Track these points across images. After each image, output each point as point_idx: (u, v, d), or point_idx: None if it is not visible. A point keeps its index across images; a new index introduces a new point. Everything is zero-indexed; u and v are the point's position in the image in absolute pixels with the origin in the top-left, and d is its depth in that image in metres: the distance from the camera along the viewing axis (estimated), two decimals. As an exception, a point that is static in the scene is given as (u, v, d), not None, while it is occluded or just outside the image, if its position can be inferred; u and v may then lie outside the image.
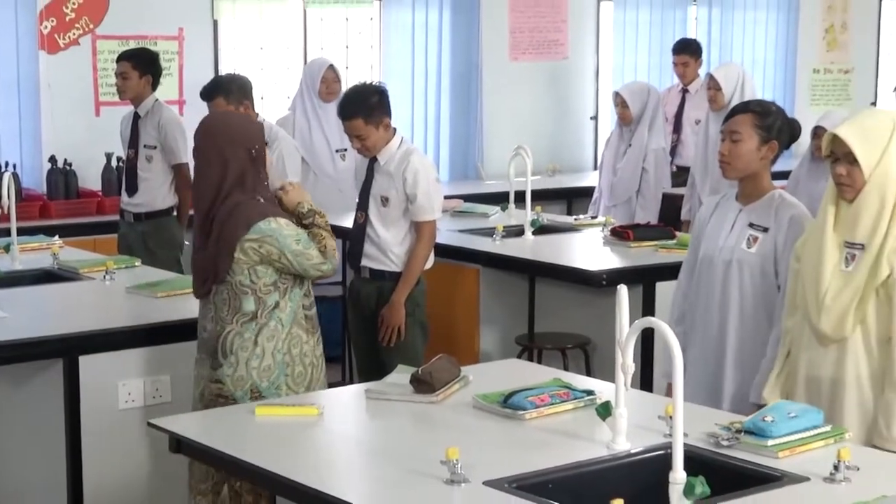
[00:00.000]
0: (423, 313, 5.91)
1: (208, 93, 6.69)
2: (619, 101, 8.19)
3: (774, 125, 4.50)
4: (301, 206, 4.47)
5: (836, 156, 3.92)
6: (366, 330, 5.93)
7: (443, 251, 6.36)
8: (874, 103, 11.52)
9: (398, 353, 5.61)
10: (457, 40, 9.74)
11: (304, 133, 8.01)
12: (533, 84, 10.14)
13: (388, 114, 5.85)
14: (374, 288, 5.90)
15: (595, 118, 10.59)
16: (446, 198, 7.10)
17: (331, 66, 8.12)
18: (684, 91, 9.43)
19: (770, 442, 3.36)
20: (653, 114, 8.16)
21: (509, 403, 3.73)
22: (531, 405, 3.70)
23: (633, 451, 3.41)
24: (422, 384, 3.91)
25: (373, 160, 5.89)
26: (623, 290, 3.40)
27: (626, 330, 3.31)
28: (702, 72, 9.45)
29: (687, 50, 9.48)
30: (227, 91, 6.62)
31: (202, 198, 4.39)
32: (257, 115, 6.77)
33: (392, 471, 3.35)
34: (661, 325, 3.09)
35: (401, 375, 4.04)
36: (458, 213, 7.62)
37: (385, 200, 5.86)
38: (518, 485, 3.15)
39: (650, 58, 10.56)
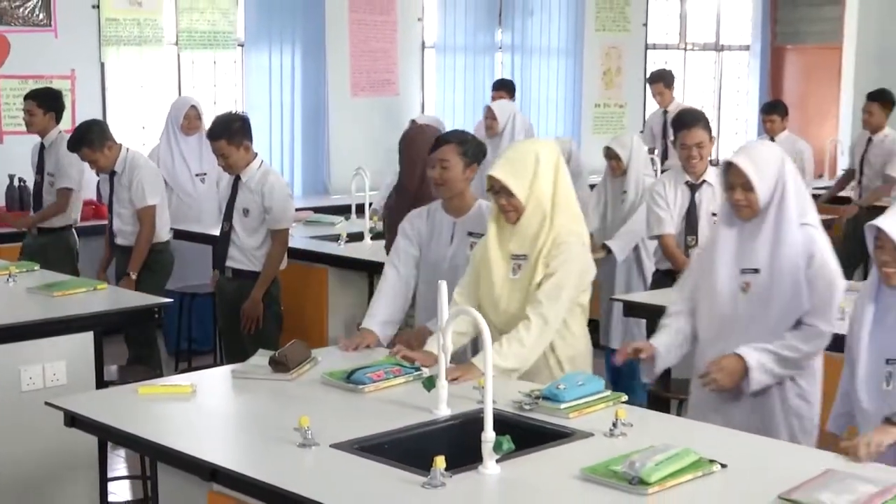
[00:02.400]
0: (278, 307, 5.85)
1: (73, 146, 6.44)
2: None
3: (470, 150, 4.39)
4: None
5: (495, 189, 3.93)
6: (231, 321, 5.85)
7: (296, 254, 6.32)
8: (643, 131, 11.78)
9: (257, 339, 5.55)
10: (307, 79, 9.66)
11: (168, 161, 7.70)
12: (370, 115, 10.10)
13: (249, 138, 5.77)
14: (237, 285, 5.82)
15: (421, 144, 10.60)
16: (298, 210, 7.05)
17: (193, 106, 7.83)
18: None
19: (563, 405, 3.40)
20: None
21: (351, 379, 3.71)
22: (369, 380, 3.69)
23: (452, 416, 3.42)
24: (278, 365, 3.86)
25: (237, 178, 5.81)
26: (443, 284, 3.41)
27: (446, 316, 3.31)
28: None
29: (504, 88, 9.56)
30: (88, 142, 6.36)
31: (408, 186, 5.03)
32: (120, 146, 6.48)
33: (253, 437, 3.32)
34: (474, 312, 3.10)
35: (261, 358, 3.98)
36: (308, 222, 7.56)
37: (246, 212, 5.79)
38: (359, 446, 3.14)
39: (465, 95, 10.64)
